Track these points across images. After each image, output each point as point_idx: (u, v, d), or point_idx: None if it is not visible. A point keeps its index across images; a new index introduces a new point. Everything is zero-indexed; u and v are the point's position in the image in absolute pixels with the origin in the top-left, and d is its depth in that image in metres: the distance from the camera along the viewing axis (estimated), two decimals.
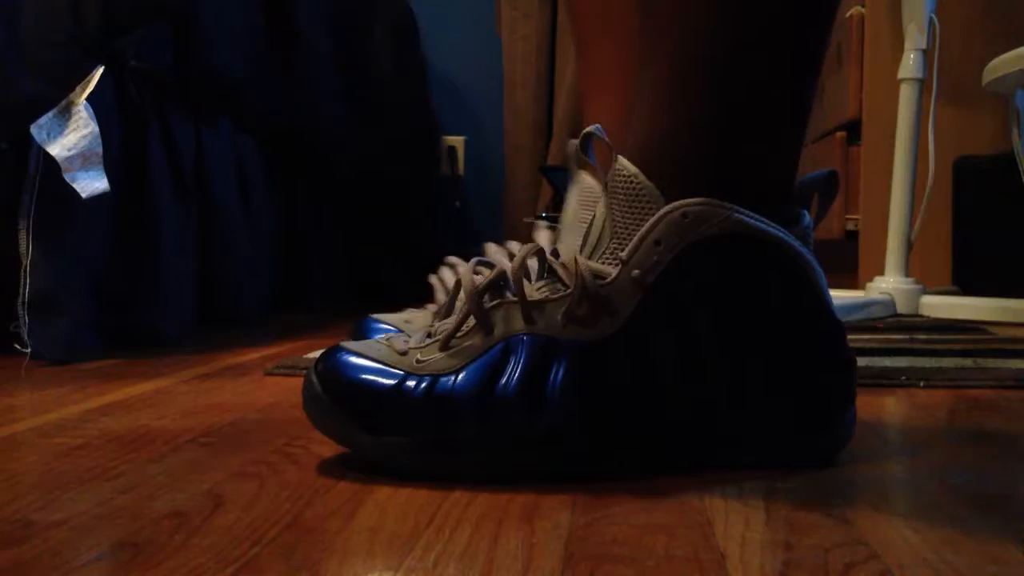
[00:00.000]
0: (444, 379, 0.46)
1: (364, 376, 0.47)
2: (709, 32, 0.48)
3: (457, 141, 2.36)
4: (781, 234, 0.47)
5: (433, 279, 0.66)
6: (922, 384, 0.75)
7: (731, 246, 0.46)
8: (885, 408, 0.69)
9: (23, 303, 0.91)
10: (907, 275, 1.46)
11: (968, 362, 0.87)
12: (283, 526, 0.39)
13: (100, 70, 0.94)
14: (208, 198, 1.22)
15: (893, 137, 1.47)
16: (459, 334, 0.47)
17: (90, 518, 0.40)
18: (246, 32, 1.31)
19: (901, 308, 1.43)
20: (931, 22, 1.44)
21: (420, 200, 2.09)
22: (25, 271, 0.91)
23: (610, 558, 0.35)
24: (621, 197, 0.47)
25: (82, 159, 0.88)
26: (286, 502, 0.42)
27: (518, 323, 0.47)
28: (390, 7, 1.93)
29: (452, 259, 0.67)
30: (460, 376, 0.46)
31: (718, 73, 0.48)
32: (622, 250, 0.46)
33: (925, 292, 1.45)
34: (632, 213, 0.47)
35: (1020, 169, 1.35)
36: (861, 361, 0.86)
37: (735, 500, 0.43)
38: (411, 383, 0.46)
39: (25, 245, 0.91)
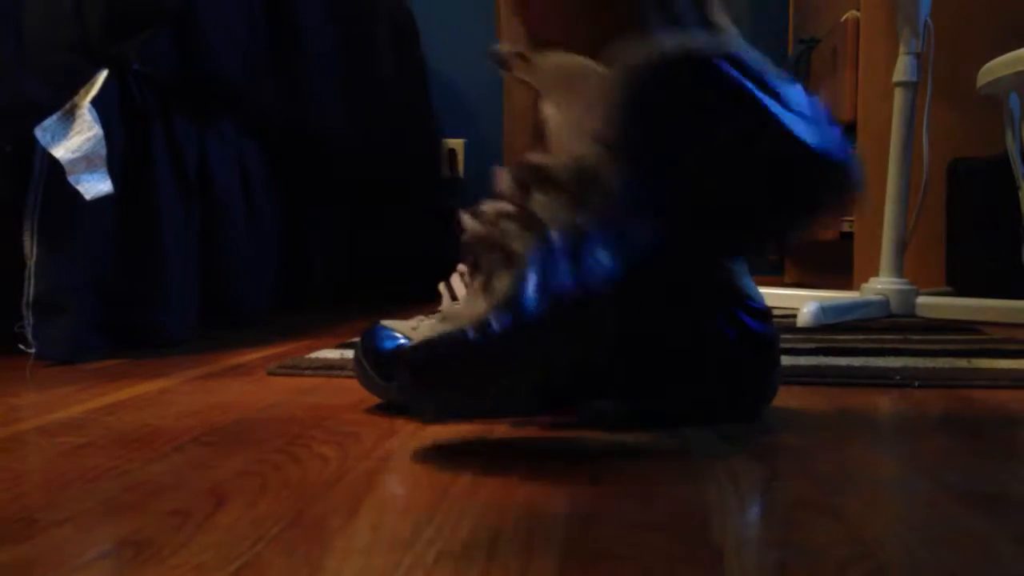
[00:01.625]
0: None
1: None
2: None
3: (457, 143, 2.36)
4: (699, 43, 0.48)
5: (442, 287, 0.66)
6: (916, 384, 0.76)
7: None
8: (879, 408, 0.69)
9: (28, 303, 0.91)
10: (901, 276, 1.47)
11: (962, 362, 0.87)
12: (285, 524, 0.39)
13: (104, 73, 0.94)
14: (211, 199, 1.22)
15: (888, 140, 1.48)
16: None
17: (94, 516, 0.41)
18: (248, 34, 1.32)
19: (895, 309, 1.43)
20: (926, 25, 1.45)
21: (421, 202, 2.10)
22: (30, 272, 0.91)
23: (610, 557, 0.36)
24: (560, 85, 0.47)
25: (86, 161, 0.89)
26: (288, 500, 0.43)
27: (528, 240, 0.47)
28: (390, 9, 1.93)
29: (463, 267, 0.67)
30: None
31: None
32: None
33: (919, 293, 1.46)
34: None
35: (1014, 171, 1.36)
36: (856, 362, 0.87)
37: (732, 498, 0.43)
38: (492, 323, 0.45)
39: (30, 246, 0.92)
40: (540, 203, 0.47)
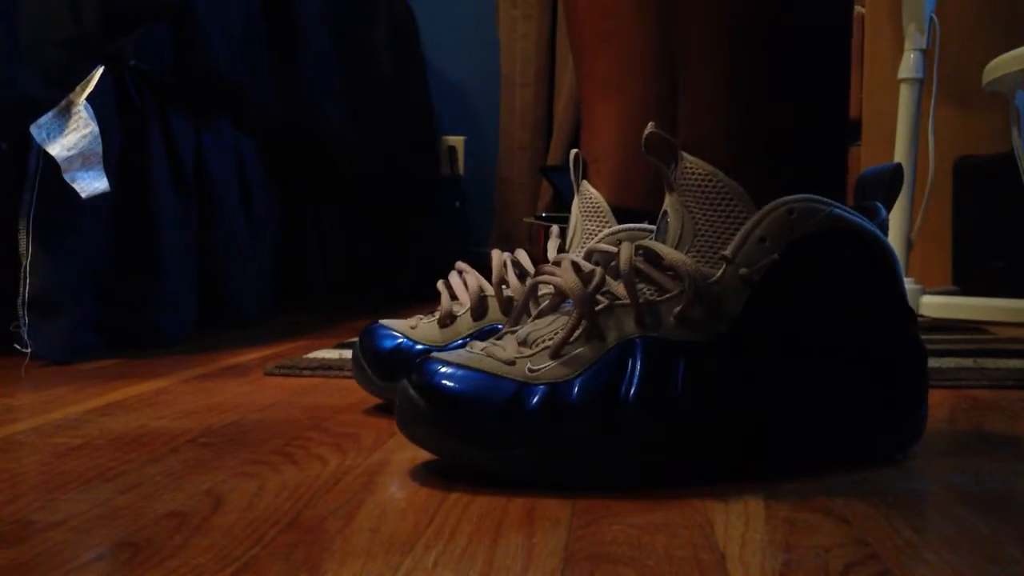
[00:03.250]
0: (562, 387, 0.45)
1: (476, 389, 0.45)
2: (758, 25, 0.48)
3: (457, 141, 2.36)
4: (873, 228, 0.48)
5: (440, 285, 0.65)
6: None
7: (833, 243, 0.47)
8: None
9: (23, 303, 0.91)
10: (907, 275, 1.47)
11: (968, 362, 0.87)
12: (283, 526, 0.39)
13: (100, 70, 0.94)
14: (208, 198, 1.22)
15: (893, 137, 1.47)
16: (570, 340, 0.46)
17: (90, 518, 0.40)
18: (246, 32, 1.31)
19: None
20: (931, 22, 1.44)
21: (420, 200, 2.09)
22: (25, 271, 0.91)
23: (610, 558, 0.35)
24: (698, 195, 0.47)
25: (82, 159, 0.88)
26: (286, 502, 0.42)
27: (630, 327, 0.46)
28: (390, 7, 1.93)
29: (461, 264, 0.67)
30: (577, 384, 0.45)
31: (772, 64, 0.48)
32: (715, 249, 0.46)
33: (925, 292, 1.45)
34: (715, 211, 0.47)
35: (1020, 169, 1.35)
36: None
37: (735, 500, 0.43)
38: (527, 394, 0.45)
39: (25, 245, 0.91)
40: (645, 297, 0.47)
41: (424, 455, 0.51)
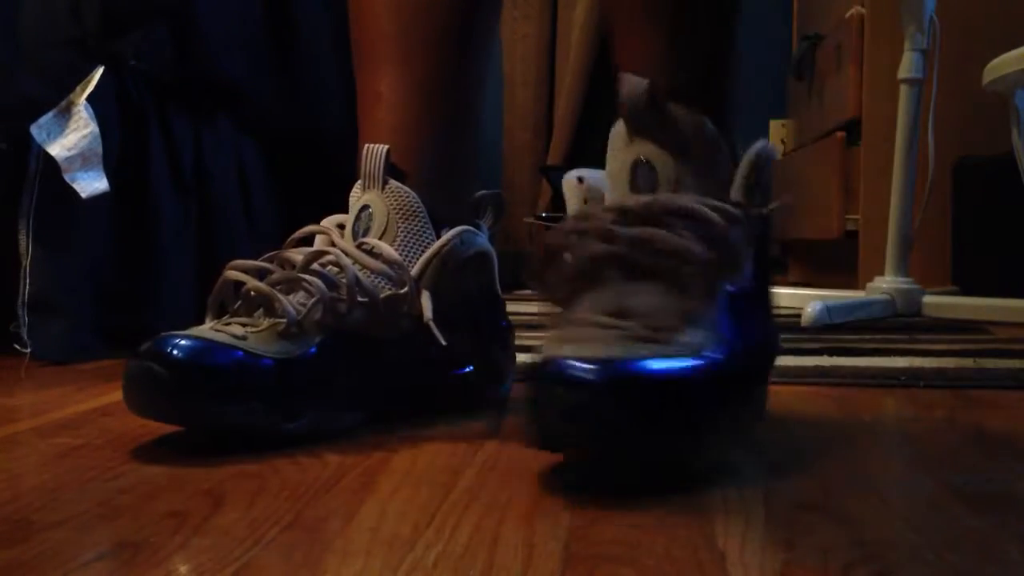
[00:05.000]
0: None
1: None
2: None
3: None
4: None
5: None
6: (922, 384, 0.75)
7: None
8: (884, 408, 0.69)
9: (23, 303, 0.91)
10: (907, 275, 1.46)
11: (968, 362, 0.87)
12: (283, 526, 0.39)
13: (100, 70, 0.94)
14: (208, 198, 1.22)
15: (893, 137, 1.47)
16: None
17: (90, 518, 0.40)
18: (246, 32, 1.31)
19: (901, 308, 1.43)
20: (931, 22, 1.44)
21: None
22: (25, 271, 0.91)
23: (610, 558, 0.35)
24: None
25: (82, 159, 0.88)
26: (286, 502, 0.42)
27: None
28: None
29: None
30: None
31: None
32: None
33: (925, 292, 1.45)
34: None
35: (1020, 169, 1.35)
36: (861, 362, 0.86)
37: (735, 500, 0.42)
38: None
39: (25, 245, 0.91)
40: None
41: (425, 455, 0.51)
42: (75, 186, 0.89)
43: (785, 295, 1.52)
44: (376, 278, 0.56)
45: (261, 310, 0.55)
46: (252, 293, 0.56)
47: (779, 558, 0.35)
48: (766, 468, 0.48)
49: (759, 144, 0.49)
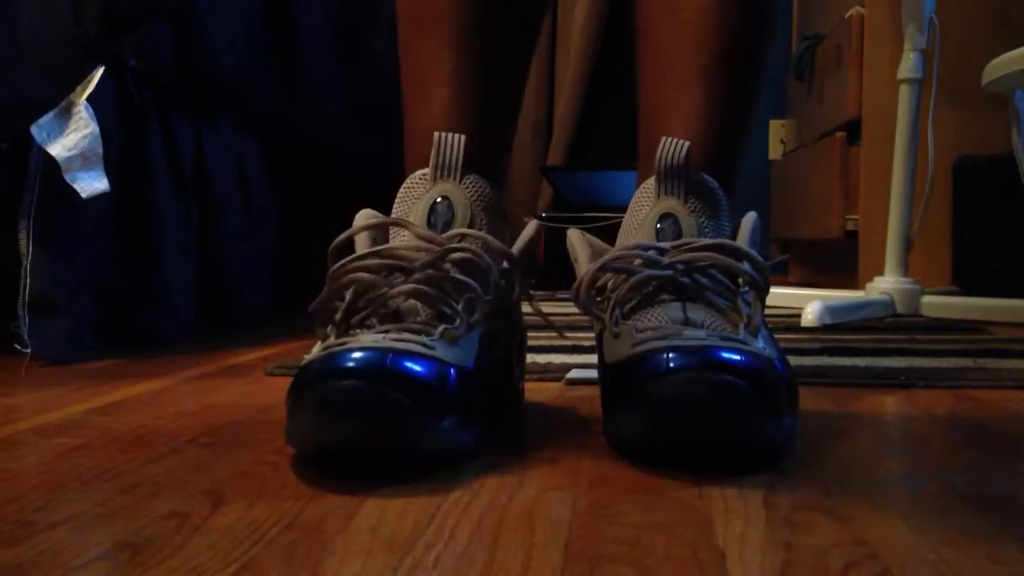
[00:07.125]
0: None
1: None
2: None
3: None
4: None
5: None
6: (921, 384, 0.75)
7: None
8: (885, 408, 0.69)
9: (23, 303, 0.91)
10: (907, 275, 1.46)
11: (968, 362, 0.87)
12: (283, 526, 0.39)
13: (100, 70, 0.94)
14: (208, 198, 1.22)
15: (893, 137, 1.47)
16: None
17: (90, 518, 0.40)
18: (246, 32, 1.31)
19: (901, 308, 1.43)
20: (931, 22, 1.44)
21: None
22: (25, 271, 0.91)
23: (610, 558, 0.35)
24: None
25: (82, 159, 0.88)
26: (286, 502, 0.42)
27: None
28: (391, 7, 1.92)
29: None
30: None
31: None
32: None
33: (924, 292, 1.45)
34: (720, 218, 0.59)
35: (1020, 169, 1.35)
36: (861, 362, 0.86)
37: (735, 500, 0.43)
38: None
39: (25, 245, 0.91)
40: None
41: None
42: (75, 186, 0.89)
43: (785, 295, 1.52)
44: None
45: (419, 313, 0.51)
46: (406, 300, 0.51)
47: (779, 557, 0.35)
48: (766, 468, 0.48)
49: (750, 214, 0.57)
